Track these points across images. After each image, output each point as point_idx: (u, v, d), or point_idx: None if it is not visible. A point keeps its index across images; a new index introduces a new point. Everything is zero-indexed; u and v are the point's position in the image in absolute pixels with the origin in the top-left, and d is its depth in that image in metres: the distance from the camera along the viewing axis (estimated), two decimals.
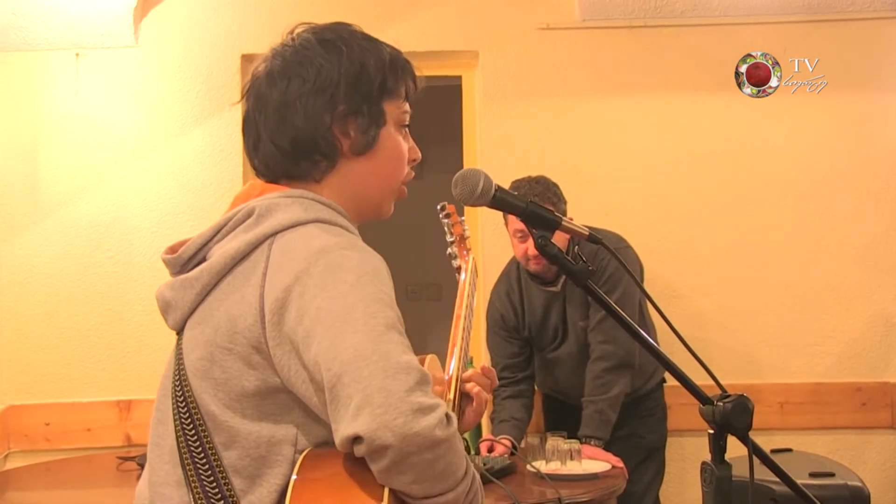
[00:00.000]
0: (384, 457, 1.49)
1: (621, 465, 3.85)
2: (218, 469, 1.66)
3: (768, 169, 5.03)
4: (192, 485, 1.67)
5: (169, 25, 5.04)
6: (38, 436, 4.92)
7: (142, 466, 3.86)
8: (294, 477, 1.60)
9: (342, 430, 1.51)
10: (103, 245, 4.99)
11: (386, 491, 1.54)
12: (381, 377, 1.50)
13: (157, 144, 5.03)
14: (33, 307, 4.98)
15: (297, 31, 1.89)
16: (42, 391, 4.95)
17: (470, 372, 2.14)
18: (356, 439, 1.50)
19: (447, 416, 1.53)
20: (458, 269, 2.47)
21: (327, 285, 1.60)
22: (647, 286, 4.46)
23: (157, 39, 5.04)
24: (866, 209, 5.01)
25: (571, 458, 3.73)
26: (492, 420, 4.28)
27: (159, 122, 5.04)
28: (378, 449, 1.48)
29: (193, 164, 5.03)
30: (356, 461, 1.55)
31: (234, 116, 5.02)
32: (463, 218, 2.54)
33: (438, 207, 2.51)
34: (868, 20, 4.98)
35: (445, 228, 2.49)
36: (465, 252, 2.51)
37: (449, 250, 2.50)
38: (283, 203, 1.76)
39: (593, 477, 3.67)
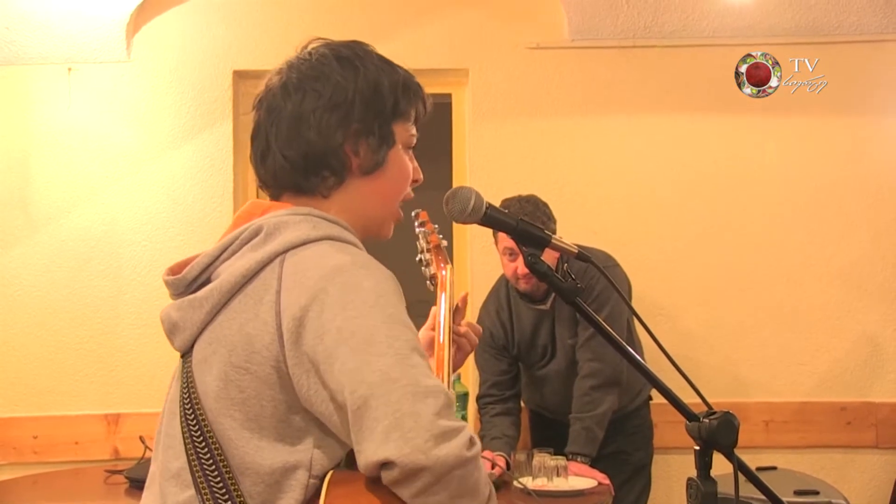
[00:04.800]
0: (418, 480, 1.50)
1: (608, 481, 3.86)
2: (235, 492, 1.66)
3: (756, 189, 5.06)
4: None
5: (161, 41, 5.06)
6: (26, 449, 4.91)
7: (130, 480, 3.88)
8: (323, 499, 1.59)
9: (370, 453, 1.51)
10: (94, 259, 5.00)
11: None
12: (410, 401, 1.51)
13: (149, 159, 5.04)
14: (23, 320, 4.98)
15: (313, 45, 1.90)
16: (30, 404, 4.95)
17: (465, 328, 2.23)
18: (386, 464, 1.50)
19: (471, 437, 1.55)
20: (433, 277, 2.38)
21: (347, 305, 1.60)
22: (634, 305, 4.49)
23: (150, 54, 5.06)
24: (852, 230, 5.04)
25: (558, 475, 3.74)
26: (481, 437, 4.29)
27: (151, 136, 5.05)
28: (411, 473, 1.49)
29: (184, 178, 5.04)
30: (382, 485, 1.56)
31: (225, 131, 5.04)
32: (437, 226, 2.47)
33: (413, 214, 2.41)
34: (856, 43, 5.02)
35: (420, 237, 2.42)
36: (442, 263, 2.43)
37: (420, 257, 2.41)
38: (292, 221, 1.75)
39: (580, 493, 3.68)
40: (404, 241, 2.43)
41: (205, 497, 1.67)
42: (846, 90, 5.01)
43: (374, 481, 1.56)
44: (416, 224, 2.38)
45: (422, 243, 2.42)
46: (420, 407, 1.51)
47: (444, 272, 2.39)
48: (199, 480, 1.68)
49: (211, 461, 1.68)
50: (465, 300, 2.33)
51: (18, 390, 4.96)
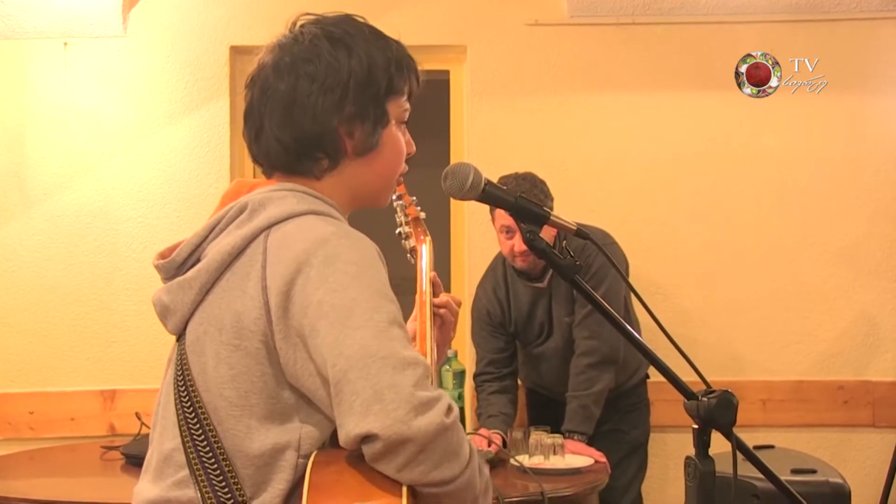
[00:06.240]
0: (401, 452, 1.52)
1: (604, 459, 3.87)
2: (230, 473, 1.67)
3: (754, 168, 5.05)
4: (202, 485, 1.67)
5: (157, 16, 5.03)
6: (21, 424, 4.91)
7: (126, 456, 3.88)
8: (308, 478, 1.60)
9: (350, 426, 1.53)
10: (90, 235, 4.99)
11: (404, 487, 1.56)
12: (389, 373, 1.52)
13: (145, 135, 5.02)
14: (19, 296, 4.97)
15: (301, 22, 1.88)
16: (26, 380, 4.95)
17: (444, 298, 2.24)
18: (368, 437, 1.52)
19: (449, 404, 1.57)
20: (412, 250, 2.39)
21: (328, 277, 1.61)
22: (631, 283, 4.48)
23: (146, 30, 5.03)
24: (850, 209, 5.03)
25: (554, 453, 3.74)
26: (478, 415, 4.29)
27: (147, 112, 5.03)
28: (395, 445, 1.51)
29: (181, 154, 5.02)
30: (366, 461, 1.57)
31: (222, 108, 5.02)
32: (414, 198, 2.47)
33: None
34: (856, 20, 5.00)
35: (398, 210, 2.42)
36: (421, 235, 2.44)
37: (400, 230, 2.42)
38: (276, 196, 1.77)
39: (576, 471, 3.68)
40: (390, 217, 2.43)
41: (199, 478, 1.69)
42: (846, 68, 4.98)
43: (357, 458, 1.58)
44: (394, 197, 2.37)
45: (400, 216, 2.42)
46: (399, 378, 1.53)
47: (423, 245, 2.39)
48: (193, 462, 1.70)
49: (205, 443, 1.69)
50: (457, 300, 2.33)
51: (14, 366, 4.95)
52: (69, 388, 4.95)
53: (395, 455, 1.52)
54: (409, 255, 2.39)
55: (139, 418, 4.09)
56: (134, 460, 3.81)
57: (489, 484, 1.71)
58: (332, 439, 1.70)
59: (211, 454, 1.68)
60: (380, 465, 1.55)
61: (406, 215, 2.43)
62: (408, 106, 1.92)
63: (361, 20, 1.91)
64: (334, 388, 1.55)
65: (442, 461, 1.55)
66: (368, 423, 1.50)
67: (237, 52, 5.05)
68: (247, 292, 1.68)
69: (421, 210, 2.47)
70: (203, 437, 1.69)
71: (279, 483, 1.67)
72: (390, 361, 1.54)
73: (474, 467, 1.63)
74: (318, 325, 1.59)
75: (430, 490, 1.58)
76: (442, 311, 2.26)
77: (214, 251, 1.74)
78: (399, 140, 1.91)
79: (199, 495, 1.67)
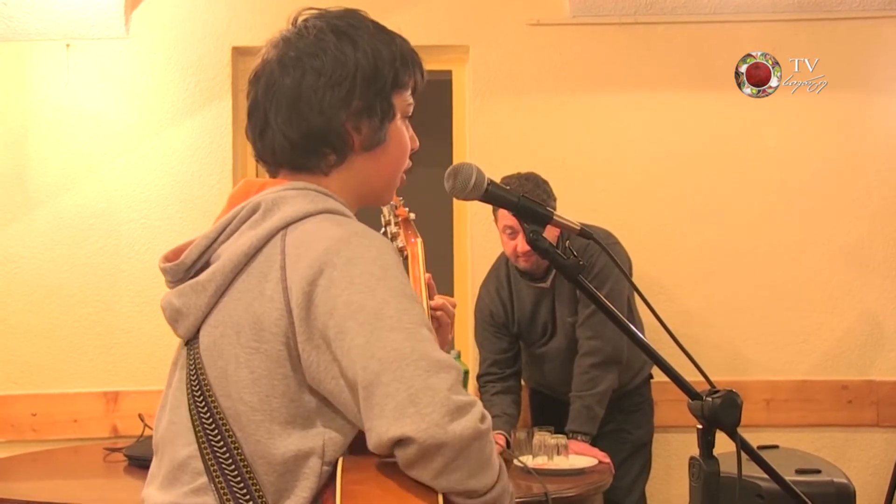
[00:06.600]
0: (437, 457, 1.49)
1: (608, 460, 3.86)
2: (250, 479, 1.64)
3: (756, 167, 5.04)
4: (222, 493, 1.64)
5: (160, 17, 5.03)
6: (24, 426, 4.91)
7: (129, 458, 3.88)
8: (339, 486, 1.58)
9: (383, 430, 1.50)
10: (92, 236, 4.98)
11: (440, 496, 1.55)
12: (423, 376, 1.50)
13: (147, 136, 5.02)
14: (21, 297, 4.97)
15: (304, 16, 1.86)
16: (29, 381, 4.95)
17: (439, 301, 2.23)
18: (402, 441, 1.49)
19: (483, 411, 1.55)
20: (401, 251, 2.37)
21: (354, 278, 1.59)
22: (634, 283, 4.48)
23: (148, 31, 5.03)
24: (853, 208, 5.02)
25: (558, 453, 3.73)
26: None
27: (149, 113, 5.03)
28: (431, 449, 1.49)
29: (183, 155, 5.02)
30: (397, 468, 1.55)
31: (224, 108, 5.02)
32: (402, 198, 2.45)
33: None
34: (858, 19, 4.99)
35: (385, 211, 2.39)
36: (412, 237, 2.43)
37: (385, 230, 2.39)
38: (289, 196, 1.74)
39: (580, 472, 3.68)
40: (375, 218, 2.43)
41: (219, 485, 1.65)
42: (848, 67, 4.98)
43: (388, 465, 1.56)
44: None
45: (387, 216, 2.40)
46: (434, 381, 1.50)
47: (416, 247, 2.38)
48: (212, 468, 1.66)
49: (224, 449, 1.66)
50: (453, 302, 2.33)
51: (17, 368, 4.95)
52: (72, 389, 4.94)
53: (430, 460, 1.50)
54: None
55: (142, 420, 4.09)
56: (137, 462, 3.81)
57: (513, 497, 1.68)
58: (351, 447, 1.68)
59: (231, 461, 1.65)
60: (415, 470, 1.53)
61: (396, 216, 2.41)
62: (412, 101, 1.90)
63: (365, 14, 1.88)
64: (365, 391, 1.52)
65: (477, 469, 1.54)
66: (403, 426, 1.48)
67: (239, 52, 5.04)
68: (265, 293, 1.64)
69: (410, 211, 2.46)
70: (222, 443, 1.66)
71: (302, 491, 1.63)
72: (424, 364, 1.51)
73: (505, 480, 1.61)
74: (345, 326, 1.56)
75: (465, 503, 1.56)
76: (438, 313, 2.25)
77: (228, 253, 1.71)
78: (404, 135, 1.89)
79: (218, 503, 1.64)
